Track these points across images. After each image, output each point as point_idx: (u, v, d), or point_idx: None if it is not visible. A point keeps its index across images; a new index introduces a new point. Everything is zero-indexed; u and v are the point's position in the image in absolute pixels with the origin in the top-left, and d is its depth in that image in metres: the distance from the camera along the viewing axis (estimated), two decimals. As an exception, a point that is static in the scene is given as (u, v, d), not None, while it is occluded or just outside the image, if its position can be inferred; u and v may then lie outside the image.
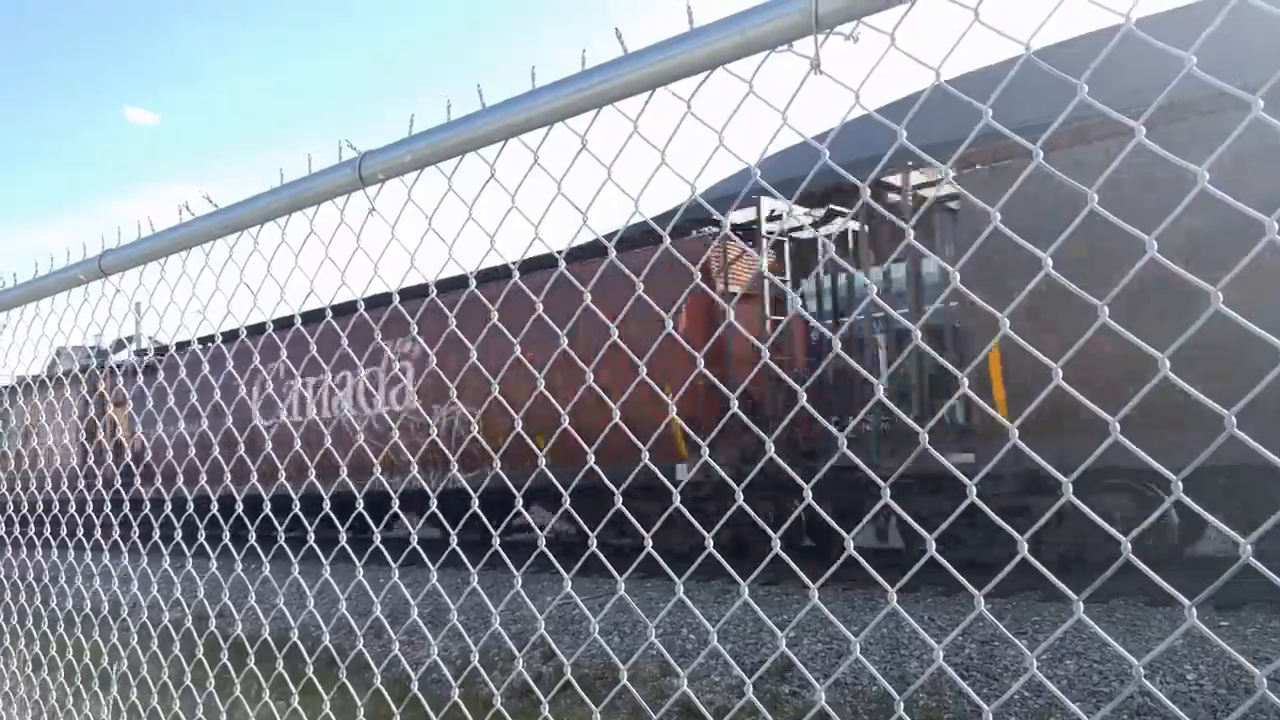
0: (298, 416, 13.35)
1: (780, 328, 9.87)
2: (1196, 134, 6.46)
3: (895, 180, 9.42)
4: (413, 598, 1.97)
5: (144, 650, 2.77)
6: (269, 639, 2.27)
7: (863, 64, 1.27)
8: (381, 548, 1.96)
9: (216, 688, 2.50)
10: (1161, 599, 7.14)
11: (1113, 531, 1.10)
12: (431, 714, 1.90)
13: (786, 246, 10.83)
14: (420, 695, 1.89)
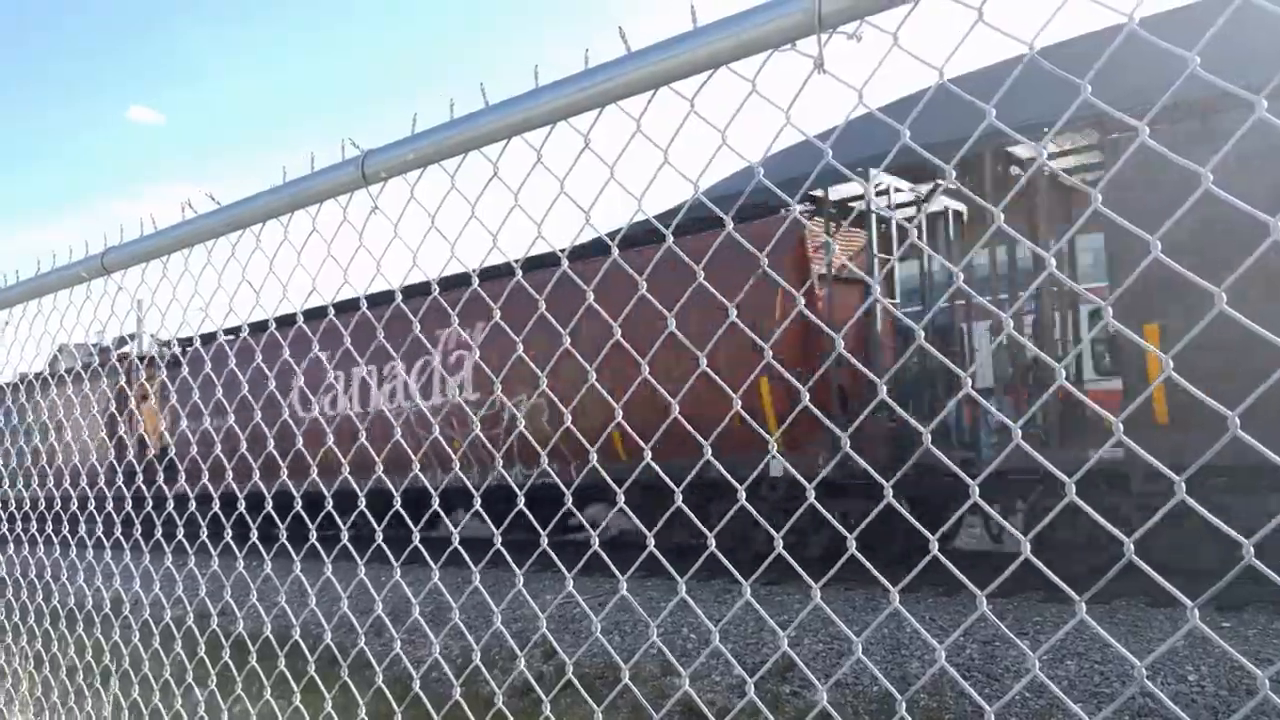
0: (337, 410, 12.62)
1: (858, 313, 9.09)
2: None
3: (1022, 152, 8.67)
4: (414, 596, 1.98)
5: (146, 647, 2.77)
6: (271, 637, 2.27)
7: (866, 63, 1.27)
8: (384, 546, 1.96)
9: (218, 685, 2.50)
10: (1163, 600, 7.13)
11: (1115, 532, 1.10)
12: (433, 712, 1.91)
13: (893, 226, 9.64)
14: (422, 694, 1.89)
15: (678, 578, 1.56)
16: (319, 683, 2.18)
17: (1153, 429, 6.90)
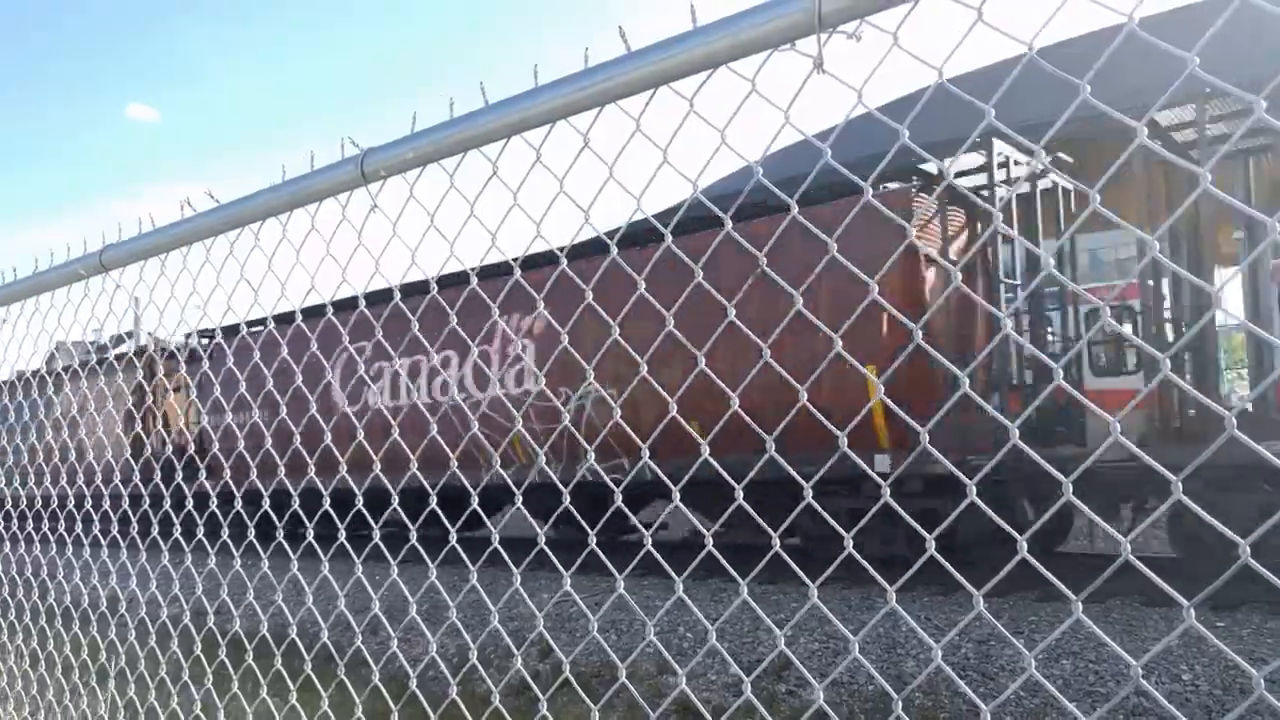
0: (377, 404, 11.55)
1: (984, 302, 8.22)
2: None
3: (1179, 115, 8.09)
4: (411, 594, 1.98)
5: (142, 646, 2.77)
6: (267, 635, 2.27)
7: (865, 63, 1.28)
8: (381, 545, 1.96)
9: (214, 684, 2.50)
10: (1158, 599, 7.15)
11: (1113, 532, 1.10)
12: (430, 711, 1.91)
13: (1009, 204, 8.78)
14: (419, 692, 1.89)
15: (675, 577, 1.56)
16: (315, 681, 2.18)
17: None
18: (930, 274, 8.73)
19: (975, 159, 8.88)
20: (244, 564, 2.34)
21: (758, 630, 7.13)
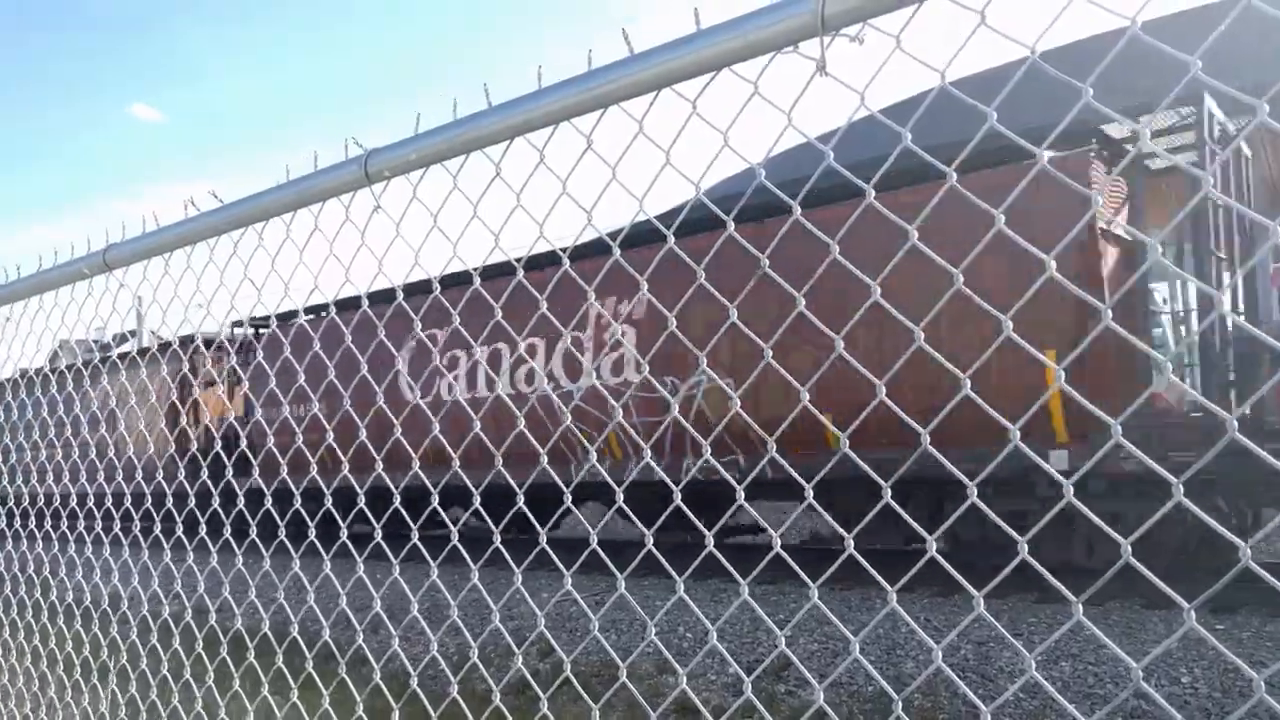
0: (453, 395, 10.81)
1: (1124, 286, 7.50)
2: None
3: None
4: (412, 593, 1.98)
5: (143, 643, 2.78)
6: (268, 633, 2.27)
7: (868, 65, 1.28)
8: (383, 544, 1.96)
9: (215, 682, 2.51)
10: (1159, 602, 7.15)
11: (1113, 534, 1.11)
12: (430, 709, 1.91)
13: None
14: (419, 691, 1.89)
15: (676, 577, 1.57)
16: (317, 679, 2.18)
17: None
18: (1112, 250, 7.76)
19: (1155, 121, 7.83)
20: (246, 562, 2.34)
21: (757, 630, 7.14)
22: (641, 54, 1.41)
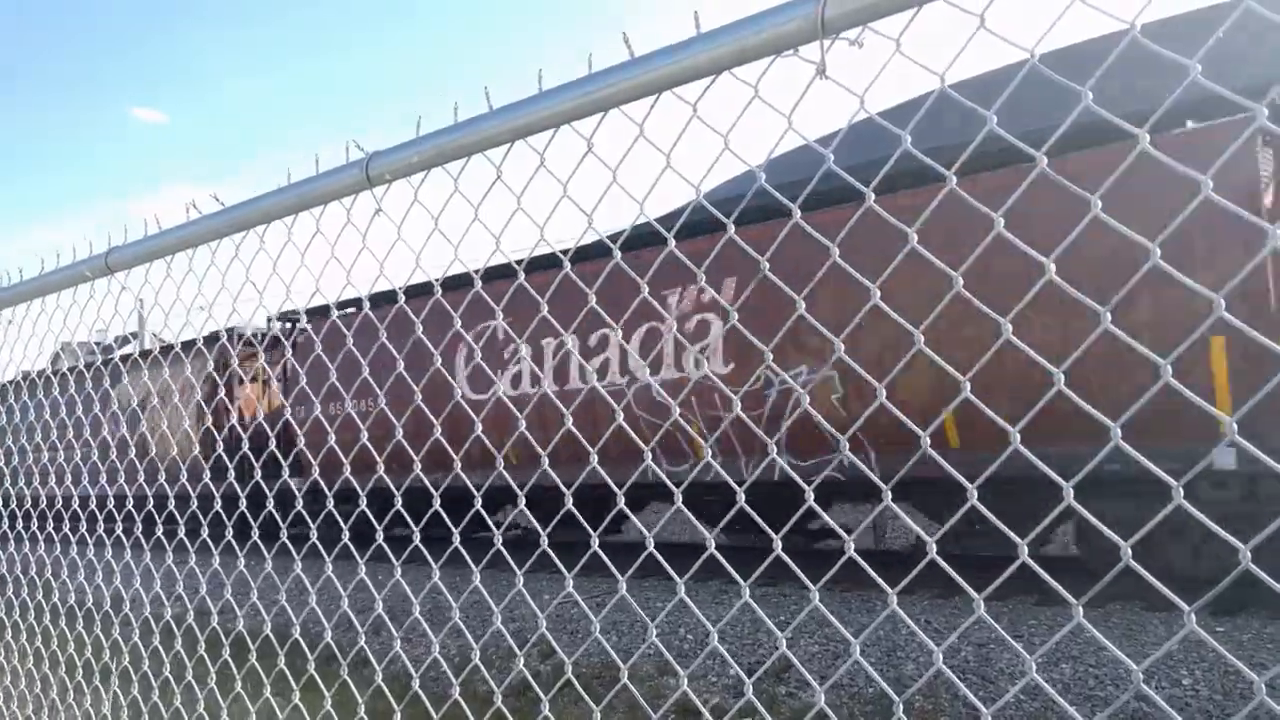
0: (521, 389, 10.15)
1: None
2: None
3: None
4: (414, 595, 1.98)
5: (146, 645, 2.78)
6: (270, 635, 2.28)
7: (868, 68, 1.28)
8: (384, 546, 1.96)
9: (218, 683, 2.51)
10: (1159, 604, 7.15)
11: (1113, 536, 1.11)
12: (432, 711, 1.92)
13: None
14: (421, 692, 1.90)
15: (676, 578, 1.57)
16: (318, 681, 2.19)
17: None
18: None
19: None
20: (248, 564, 2.35)
21: (758, 632, 7.14)
22: (642, 58, 1.42)
